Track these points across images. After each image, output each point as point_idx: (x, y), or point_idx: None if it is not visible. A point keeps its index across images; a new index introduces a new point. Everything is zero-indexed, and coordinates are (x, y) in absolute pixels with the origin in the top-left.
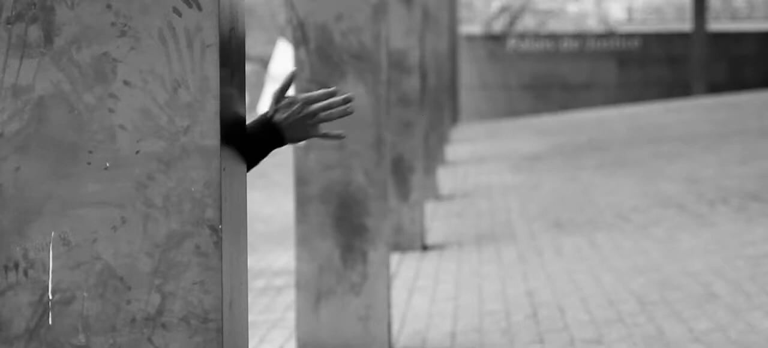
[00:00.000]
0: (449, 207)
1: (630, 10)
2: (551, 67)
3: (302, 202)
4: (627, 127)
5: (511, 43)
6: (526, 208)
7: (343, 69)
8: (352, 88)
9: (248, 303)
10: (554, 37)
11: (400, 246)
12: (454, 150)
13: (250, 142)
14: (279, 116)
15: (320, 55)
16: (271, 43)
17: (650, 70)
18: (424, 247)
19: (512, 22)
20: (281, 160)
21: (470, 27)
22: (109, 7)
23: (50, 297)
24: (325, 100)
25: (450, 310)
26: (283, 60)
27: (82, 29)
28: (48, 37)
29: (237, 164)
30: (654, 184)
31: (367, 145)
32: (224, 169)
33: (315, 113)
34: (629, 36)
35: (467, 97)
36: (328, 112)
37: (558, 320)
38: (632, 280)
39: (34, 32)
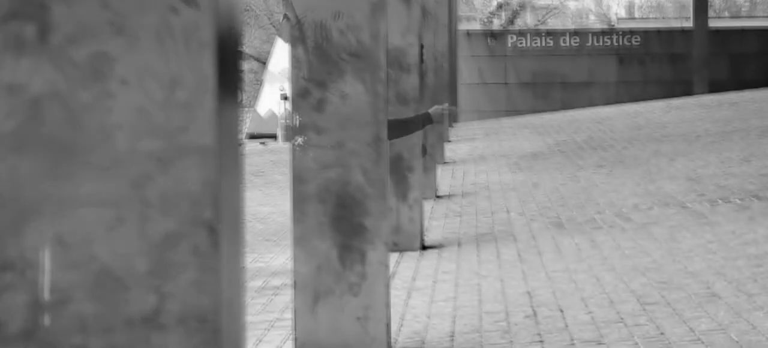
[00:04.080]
0: (448, 206)
1: (630, 7)
2: (551, 65)
3: (300, 201)
4: (627, 126)
5: (511, 40)
6: (525, 208)
7: (342, 67)
8: (350, 87)
9: (246, 303)
10: (554, 34)
11: (399, 245)
12: (453, 149)
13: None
14: None
15: (318, 53)
16: (269, 41)
17: (651, 67)
18: (423, 247)
19: (512, 20)
20: (279, 159)
21: (469, 24)
22: (105, 5)
23: (47, 297)
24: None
25: (449, 310)
26: (280, 58)
27: (78, 27)
28: (44, 35)
29: (234, 163)
30: (655, 182)
31: (365, 144)
32: (222, 169)
33: None
34: (630, 33)
35: (466, 94)
36: None
37: (558, 320)
38: (633, 280)
39: (30, 30)
